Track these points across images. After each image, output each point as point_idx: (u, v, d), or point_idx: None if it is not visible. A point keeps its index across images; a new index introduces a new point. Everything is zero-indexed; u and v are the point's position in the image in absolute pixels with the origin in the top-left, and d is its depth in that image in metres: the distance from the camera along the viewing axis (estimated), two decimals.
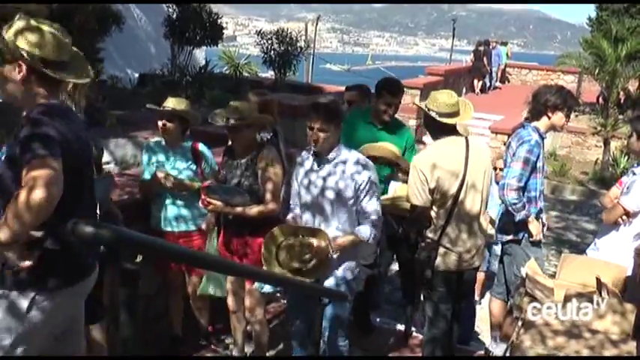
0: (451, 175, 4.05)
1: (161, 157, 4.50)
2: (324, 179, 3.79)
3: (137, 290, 3.82)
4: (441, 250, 4.15)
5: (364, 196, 3.75)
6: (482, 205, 4.20)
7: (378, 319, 5.71)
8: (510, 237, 4.69)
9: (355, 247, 3.87)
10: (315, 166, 3.82)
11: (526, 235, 4.61)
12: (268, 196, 4.08)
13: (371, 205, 3.77)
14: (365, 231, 3.76)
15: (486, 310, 5.40)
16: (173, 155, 4.48)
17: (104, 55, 9.55)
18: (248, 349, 4.65)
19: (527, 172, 4.48)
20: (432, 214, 4.14)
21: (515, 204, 4.44)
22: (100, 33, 9.11)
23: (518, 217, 4.50)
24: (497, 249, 5.36)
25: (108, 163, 7.24)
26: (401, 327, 5.52)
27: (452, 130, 4.17)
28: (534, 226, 4.57)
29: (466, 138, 4.20)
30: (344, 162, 3.75)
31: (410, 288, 5.20)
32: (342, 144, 3.82)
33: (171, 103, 4.40)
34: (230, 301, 4.43)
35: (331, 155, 3.75)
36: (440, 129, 4.15)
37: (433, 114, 4.07)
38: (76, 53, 2.80)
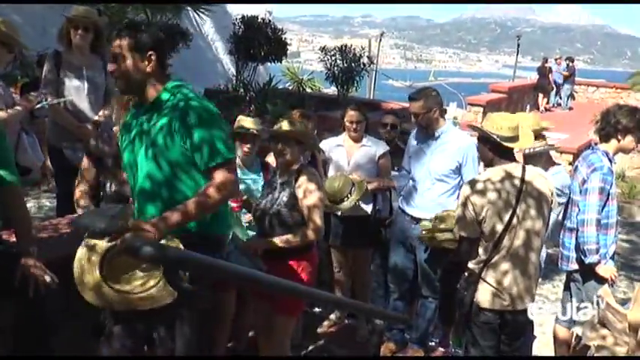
0: (501, 207, 3.72)
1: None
2: None
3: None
4: (484, 285, 3.82)
5: None
6: (535, 240, 3.81)
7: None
8: (577, 267, 4.51)
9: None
10: None
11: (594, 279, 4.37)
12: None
13: None
14: None
15: (548, 337, 5.24)
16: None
17: (171, 70, 9.79)
18: None
19: (603, 202, 4.30)
20: (479, 247, 3.84)
21: (591, 242, 4.25)
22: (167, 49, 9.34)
23: (589, 259, 4.30)
24: None
25: None
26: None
27: (510, 157, 3.86)
28: (605, 270, 4.32)
29: (523, 167, 3.86)
30: None
31: (446, 309, 4.97)
32: None
33: (251, 123, 4.26)
34: None
35: None
36: (498, 154, 3.83)
37: (495, 137, 3.76)
38: None
